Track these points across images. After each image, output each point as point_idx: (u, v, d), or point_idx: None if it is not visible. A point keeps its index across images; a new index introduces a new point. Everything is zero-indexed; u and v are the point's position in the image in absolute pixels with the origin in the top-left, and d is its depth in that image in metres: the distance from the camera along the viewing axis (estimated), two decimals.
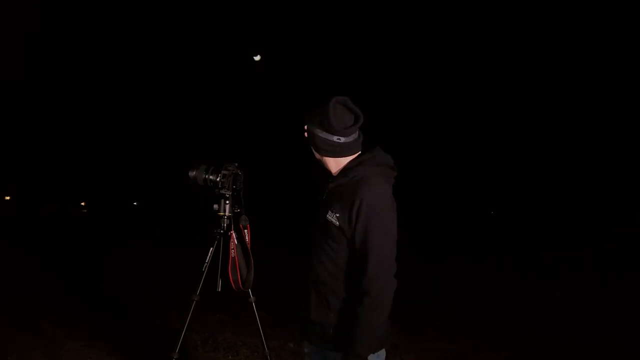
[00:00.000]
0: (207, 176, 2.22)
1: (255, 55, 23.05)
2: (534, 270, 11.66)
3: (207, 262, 2.23)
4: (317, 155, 1.97)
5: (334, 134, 1.88)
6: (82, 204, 38.07)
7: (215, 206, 2.23)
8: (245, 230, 2.31)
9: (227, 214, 2.25)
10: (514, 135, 22.13)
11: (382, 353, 1.92)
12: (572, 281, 9.98)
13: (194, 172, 2.23)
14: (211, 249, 2.26)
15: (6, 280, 7.65)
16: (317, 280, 1.91)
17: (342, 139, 1.89)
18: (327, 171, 1.99)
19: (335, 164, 1.94)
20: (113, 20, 25.64)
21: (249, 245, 2.30)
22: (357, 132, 1.93)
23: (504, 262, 12.91)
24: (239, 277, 2.23)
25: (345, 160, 1.92)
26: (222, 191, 2.22)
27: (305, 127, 1.94)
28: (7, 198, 35.24)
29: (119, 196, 33.77)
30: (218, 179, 2.21)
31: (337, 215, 1.83)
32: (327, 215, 1.86)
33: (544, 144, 21.68)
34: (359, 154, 1.94)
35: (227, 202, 2.24)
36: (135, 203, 36.71)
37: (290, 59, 24.23)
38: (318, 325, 1.93)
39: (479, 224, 21.80)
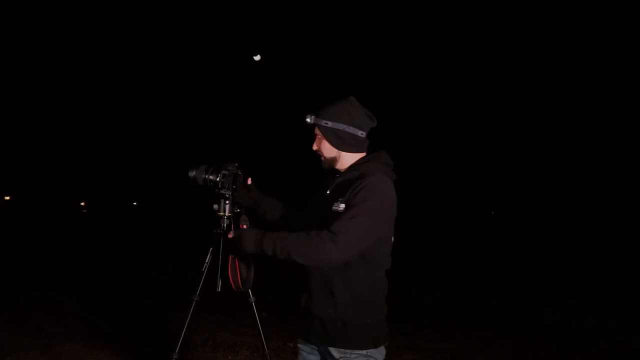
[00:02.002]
0: (207, 176, 2.21)
1: (255, 55, 23.06)
2: (534, 270, 11.67)
3: (207, 262, 2.22)
4: (333, 153, 1.96)
5: (359, 128, 1.95)
6: (82, 204, 38.12)
7: (215, 206, 2.22)
8: None
9: (227, 214, 2.24)
10: (514, 135, 22.15)
11: (382, 350, 1.90)
12: (572, 281, 9.98)
13: (194, 172, 2.22)
14: (211, 249, 2.25)
15: (6, 280, 7.65)
16: (321, 273, 1.88)
17: (364, 134, 1.97)
18: (329, 170, 2.00)
19: (347, 161, 1.97)
20: (113, 19, 25.62)
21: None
22: None
23: (504, 262, 12.91)
24: (238, 277, 2.22)
25: (356, 157, 1.97)
26: (222, 191, 2.21)
27: (326, 123, 1.93)
28: (7, 198, 35.27)
29: (119, 196, 33.79)
30: (218, 179, 2.20)
31: (343, 201, 1.84)
32: (333, 207, 1.86)
33: (544, 144, 21.70)
34: (367, 154, 1.99)
35: (227, 202, 2.23)
36: (135, 203, 36.75)
37: (290, 59, 24.24)
38: (319, 321, 1.89)
39: (479, 224, 21.81)
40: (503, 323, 6.01)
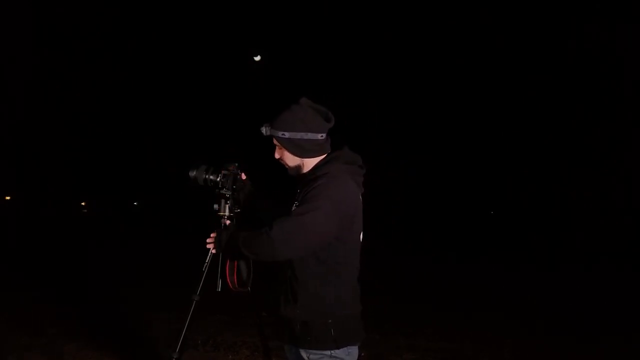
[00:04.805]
0: (207, 176, 2.21)
1: (256, 56, 23.05)
2: (534, 270, 11.67)
3: (207, 262, 2.22)
4: (296, 161, 1.96)
5: (318, 132, 1.92)
6: (83, 204, 38.12)
7: (216, 206, 2.22)
8: None
9: (227, 214, 2.24)
10: (514, 135, 22.13)
11: (351, 350, 1.89)
12: (572, 281, 9.98)
13: (194, 172, 2.22)
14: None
15: (6, 280, 7.65)
16: (285, 275, 1.92)
17: (324, 136, 1.94)
18: (296, 176, 2.00)
19: (310, 165, 1.95)
20: (113, 19, 25.61)
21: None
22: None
23: (504, 262, 12.91)
24: (235, 277, 2.22)
25: (319, 159, 1.96)
26: (222, 191, 2.20)
27: (283, 134, 1.91)
28: (7, 198, 35.26)
29: (119, 196, 33.77)
30: (218, 179, 2.20)
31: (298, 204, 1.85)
32: (292, 209, 1.88)
33: (544, 144, 21.69)
34: (328, 153, 1.97)
35: (227, 202, 2.23)
36: (135, 203, 36.73)
37: (290, 59, 24.22)
38: (286, 322, 1.93)
39: (479, 224, 21.81)
40: (503, 323, 6.00)
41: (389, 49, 22.71)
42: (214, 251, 2.06)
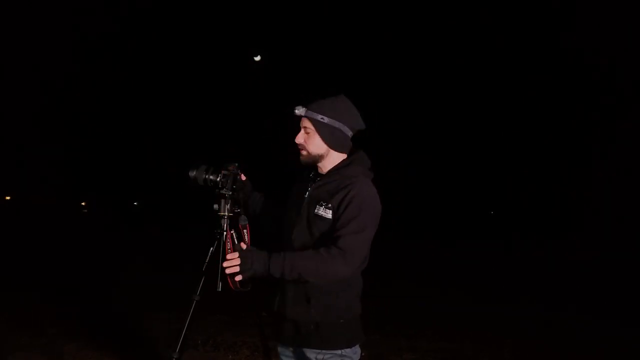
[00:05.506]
0: (207, 176, 2.20)
1: (256, 56, 23.07)
2: (534, 269, 11.67)
3: (206, 262, 2.22)
4: (321, 150, 1.91)
5: (351, 129, 1.92)
6: (83, 204, 38.13)
7: (215, 206, 2.21)
8: (245, 230, 2.29)
9: (227, 214, 2.24)
10: (514, 135, 22.14)
11: (357, 349, 1.89)
12: (572, 281, 9.98)
13: (194, 172, 2.21)
14: (211, 248, 2.24)
15: (6, 280, 7.65)
16: None
17: (351, 134, 1.94)
18: (310, 169, 1.98)
19: (330, 162, 1.93)
20: (113, 19, 25.62)
21: (248, 246, 2.28)
22: None
23: (504, 262, 12.92)
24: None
25: (340, 158, 1.94)
26: (222, 191, 2.20)
27: (322, 118, 1.87)
28: (7, 198, 35.26)
29: (119, 196, 33.77)
30: (218, 179, 2.19)
31: (330, 206, 1.82)
32: (317, 211, 1.85)
33: (544, 144, 21.70)
34: (348, 155, 1.96)
35: (227, 202, 2.22)
36: (135, 203, 36.74)
37: (290, 59, 24.24)
38: (291, 323, 1.90)
39: (479, 224, 21.81)
40: (503, 323, 6.00)
41: (389, 49, 22.71)
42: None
